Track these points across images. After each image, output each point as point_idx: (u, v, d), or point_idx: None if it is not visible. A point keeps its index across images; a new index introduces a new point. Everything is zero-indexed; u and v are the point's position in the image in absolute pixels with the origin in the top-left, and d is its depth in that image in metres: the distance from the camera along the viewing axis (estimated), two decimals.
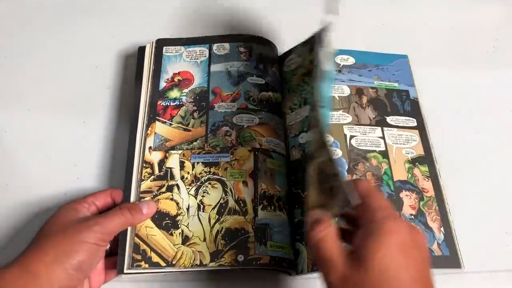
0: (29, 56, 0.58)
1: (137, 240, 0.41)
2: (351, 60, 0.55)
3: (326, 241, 0.32)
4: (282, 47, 0.56)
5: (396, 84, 0.54)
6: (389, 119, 0.51)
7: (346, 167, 0.47)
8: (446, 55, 0.60)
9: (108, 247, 0.41)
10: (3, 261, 0.35)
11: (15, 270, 0.34)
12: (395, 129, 0.50)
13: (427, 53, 0.60)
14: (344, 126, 0.50)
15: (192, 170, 0.45)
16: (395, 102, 0.52)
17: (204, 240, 0.42)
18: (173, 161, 0.46)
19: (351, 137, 0.49)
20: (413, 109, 0.52)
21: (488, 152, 0.52)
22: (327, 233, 0.33)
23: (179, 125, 0.48)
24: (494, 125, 0.54)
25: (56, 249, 0.35)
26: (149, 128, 0.48)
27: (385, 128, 0.50)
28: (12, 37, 0.59)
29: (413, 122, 0.51)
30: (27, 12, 0.62)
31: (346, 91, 0.52)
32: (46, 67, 0.57)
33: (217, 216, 0.43)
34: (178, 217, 0.43)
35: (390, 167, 0.47)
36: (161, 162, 0.46)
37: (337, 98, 0.52)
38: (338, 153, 0.48)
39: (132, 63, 0.54)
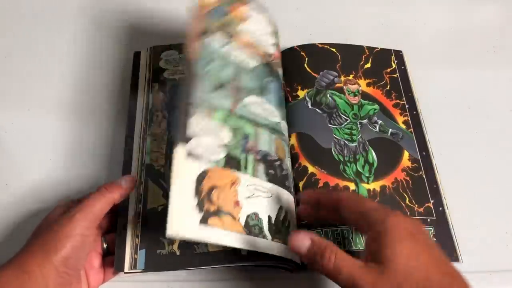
0: (29, 56, 0.58)
1: (137, 241, 0.41)
2: None
3: (342, 265, 0.32)
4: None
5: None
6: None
7: None
8: (446, 55, 0.60)
9: (105, 246, 0.41)
10: (3, 260, 0.35)
11: (10, 271, 0.34)
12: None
13: (427, 53, 0.60)
14: None
15: None
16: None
17: None
18: None
19: None
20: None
21: (488, 152, 0.52)
22: (337, 256, 0.33)
23: None
24: (494, 125, 0.54)
25: (44, 247, 0.35)
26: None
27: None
28: (12, 37, 0.59)
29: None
30: (27, 12, 0.62)
31: None
32: (46, 67, 0.57)
33: None
34: None
35: None
36: None
37: None
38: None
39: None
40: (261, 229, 0.38)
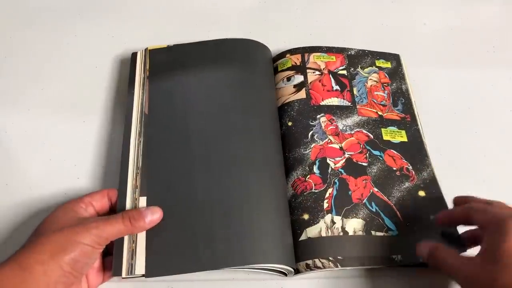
0: (29, 56, 0.58)
1: (133, 246, 0.41)
2: None
3: (440, 255, 0.38)
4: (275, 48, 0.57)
5: None
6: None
7: None
8: (446, 55, 0.60)
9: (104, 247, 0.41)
10: (3, 260, 0.35)
11: (10, 268, 0.34)
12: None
13: (427, 53, 0.60)
14: None
15: None
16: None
17: None
18: None
19: None
20: None
21: (487, 152, 0.52)
22: (438, 248, 0.39)
23: None
24: (494, 125, 0.54)
25: (52, 247, 0.35)
26: None
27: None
28: (12, 37, 0.59)
29: None
30: (27, 12, 0.62)
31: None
32: (46, 67, 0.57)
33: None
34: None
35: None
36: None
37: None
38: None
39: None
40: None
